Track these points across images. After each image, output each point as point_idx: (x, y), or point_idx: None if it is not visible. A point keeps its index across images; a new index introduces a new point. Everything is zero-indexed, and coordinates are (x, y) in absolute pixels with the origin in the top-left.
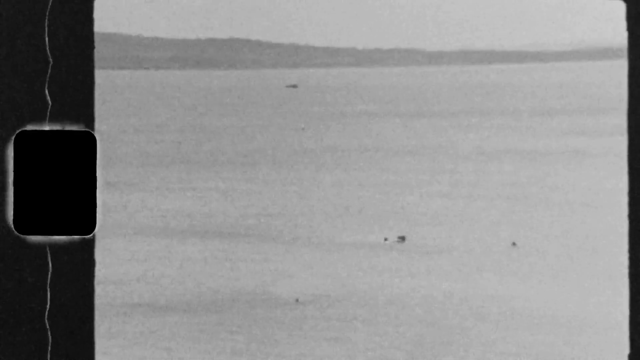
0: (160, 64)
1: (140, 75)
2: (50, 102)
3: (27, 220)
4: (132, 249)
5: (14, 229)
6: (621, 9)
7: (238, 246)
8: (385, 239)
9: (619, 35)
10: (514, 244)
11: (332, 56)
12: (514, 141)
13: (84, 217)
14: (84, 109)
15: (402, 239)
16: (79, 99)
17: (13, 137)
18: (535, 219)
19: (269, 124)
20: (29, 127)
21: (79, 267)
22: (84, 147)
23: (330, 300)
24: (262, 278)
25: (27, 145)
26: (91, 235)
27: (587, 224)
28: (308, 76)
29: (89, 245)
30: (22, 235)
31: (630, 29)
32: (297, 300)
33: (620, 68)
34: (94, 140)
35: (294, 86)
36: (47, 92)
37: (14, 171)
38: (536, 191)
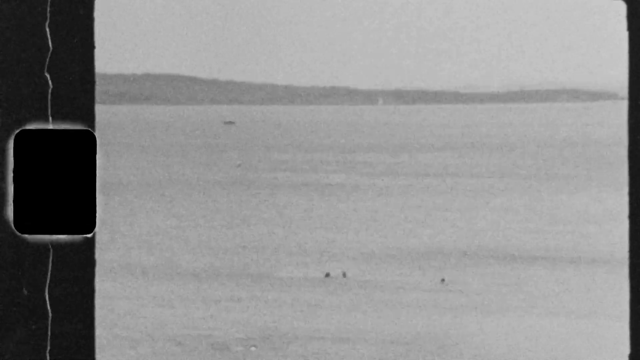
0: None
1: None
2: (50, 100)
3: (27, 219)
4: None
5: (14, 228)
6: (621, 9)
7: (174, 283)
8: (327, 275)
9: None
10: (442, 280)
11: (269, 93)
12: (446, 179)
13: (84, 216)
14: (84, 108)
15: (343, 274)
16: (79, 98)
17: (13, 136)
18: (464, 258)
19: (206, 160)
20: (29, 126)
21: (79, 266)
22: (84, 146)
23: (271, 339)
24: (199, 315)
25: (28, 144)
26: (91, 234)
27: (515, 266)
28: (245, 113)
29: (89, 245)
30: (22, 235)
31: (630, 29)
32: (244, 344)
33: (551, 110)
34: (94, 139)
35: (231, 122)
36: (48, 88)
37: (14, 170)
38: (465, 229)
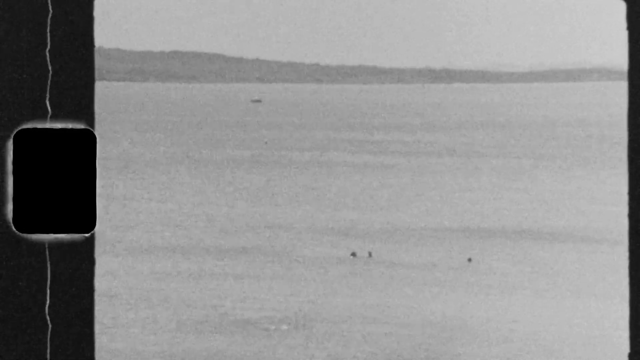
0: (121, 76)
1: (100, 87)
2: (49, 99)
3: (27, 219)
4: None
5: (14, 228)
6: (621, 9)
7: (197, 261)
8: (353, 254)
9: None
10: (469, 259)
11: (296, 72)
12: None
13: (83, 215)
14: (84, 107)
15: (369, 254)
16: (79, 97)
17: (13, 135)
18: (490, 237)
19: (233, 138)
20: (29, 125)
21: (79, 265)
22: (83, 145)
23: (296, 318)
24: (223, 293)
25: (27, 143)
26: (91, 233)
27: (542, 246)
28: (272, 91)
29: (89, 244)
30: (22, 234)
31: (630, 29)
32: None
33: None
34: (94, 138)
35: (259, 101)
36: (47, 89)
37: (14, 169)
38: (491, 208)
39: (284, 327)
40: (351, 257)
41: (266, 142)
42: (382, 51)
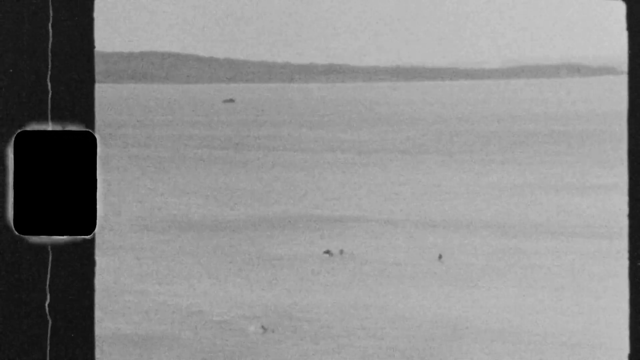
0: None
1: None
2: (50, 101)
3: (27, 220)
4: None
5: (14, 229)
6: (621, 9)
7: (174, 260)
8: (327, 252)
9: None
10: (440, 256)
11: (267, 71)
12: (441, 150)
13: (84, 217)
14: (84, 108)
15: (340, 251)
16: (79, 98)
17: (13, 138)
18: (461, 233)
19: (205, 137)
20: (29, 127)
21: (79, 267)
22: (84, 147)
23: (271, 316)
24: (200, 292)
25: (28, 145)
26: (91, 235)
27: (515, 240)
28: (244, 91)
29: (89, 245)
30: (22, 235)
31: (630, 29)
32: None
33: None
34: (94, 140)
35: (231, 100)
36: (48, 89)
37: (14, 171)
38: (463, 205)
39: (262, 327)
40: (325, 255)
41: (237, 144)
42: (352, 50)
